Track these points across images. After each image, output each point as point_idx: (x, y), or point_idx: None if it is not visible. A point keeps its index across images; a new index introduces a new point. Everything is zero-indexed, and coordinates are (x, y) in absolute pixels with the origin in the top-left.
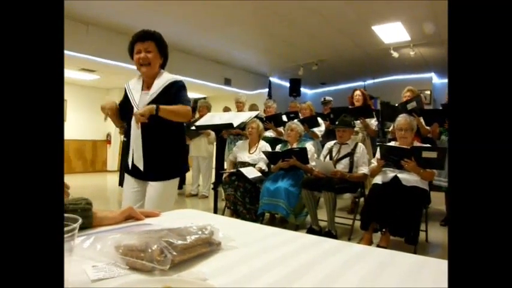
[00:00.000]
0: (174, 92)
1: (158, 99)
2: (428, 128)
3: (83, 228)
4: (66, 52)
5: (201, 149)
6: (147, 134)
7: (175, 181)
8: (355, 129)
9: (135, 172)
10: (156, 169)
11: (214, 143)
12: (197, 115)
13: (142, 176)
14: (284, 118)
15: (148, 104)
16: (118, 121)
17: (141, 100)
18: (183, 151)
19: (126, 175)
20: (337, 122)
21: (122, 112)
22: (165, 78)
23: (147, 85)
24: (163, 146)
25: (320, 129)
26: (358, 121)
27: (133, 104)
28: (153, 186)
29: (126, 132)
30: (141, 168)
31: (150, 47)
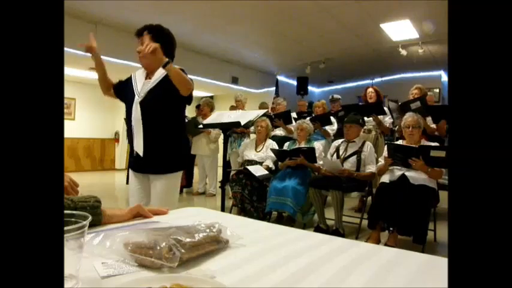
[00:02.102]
0: None
1: (159, 86)
2: (433, 126)
3: (92, 225)
4: (74, 51)
5: (202, 148)
6: (148, 121)
7: (178, 175)
8: (368, 127)
9: (137, 166)
10: (156, 158)
11: (220, 141)
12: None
13: (144, 168)
14: (294, 115)
15: (150, 90)
16: (104, 76)
17: (142, 88)
18: (184, 144)
19: (130, 172)
20: (345, 119)
21: (117, 88)
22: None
23: (150, 76)
24: (163, 134)
25: (332, 128)
26: (371, 118)
27: (135, 92)
28: (155, 182)
29: (128, 125)
30: (141, 154)
31: (145, 40)
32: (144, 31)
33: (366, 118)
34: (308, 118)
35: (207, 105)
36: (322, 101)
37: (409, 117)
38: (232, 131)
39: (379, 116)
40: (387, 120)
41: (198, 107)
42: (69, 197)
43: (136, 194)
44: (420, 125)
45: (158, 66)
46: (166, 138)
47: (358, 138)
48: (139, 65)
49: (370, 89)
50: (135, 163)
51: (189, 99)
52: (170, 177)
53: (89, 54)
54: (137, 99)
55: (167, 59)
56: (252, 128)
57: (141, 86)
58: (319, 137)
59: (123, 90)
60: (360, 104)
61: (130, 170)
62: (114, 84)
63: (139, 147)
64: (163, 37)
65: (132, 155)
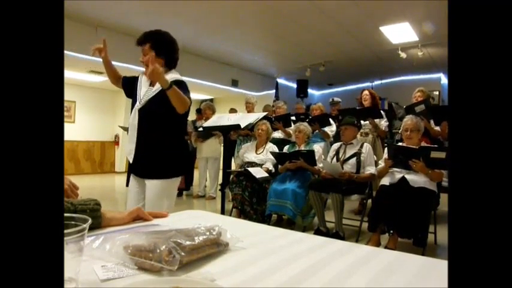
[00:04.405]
0: None
1: (160, 95)
2: (437, 128)
3: (92, 228)
4: (74, 54)
5: (213, 150)
6: (143, 128)
7: (173, 181)
8: (365, 130)
9: (133, 169)
10: (150, 163)
11: (222, 144)
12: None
13: (139, 172)
14: (293, 118)
15: (150, 99)
16: (110, 68)
17: (144, 96)
18: (181, 151)
19: (131, 175)
20: (341, 122)
21: (125, 83)
22: (168, 77)
23: (153, 83)
24: (158, 142)
25: (331, 129)
26: (367, 122)
27: (137, 98)
28: (149, 186)
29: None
30: (130, 160)
31: (145, 49)
32: (144, 40)
33: (362, 122)
34: (306, 120)
35: (208, 109)
36: (319, 104)
37: (408, 120)
38: (239, 134)
39: (375, 120)
40: (383, 123)
41: (198, 111)
42: (69, 200)
43: (134, 196)
44: (419, 128)
45: (154, 58)
46: (161, 146)
47: (356, 140)
48: (139, 68)
49: (366, 92)
50: (132, 166)
51: (185, 114)
52: (164, 183)
53: (92, 58)
54: (137, 106)
55: (170, 83)
56: None
57: (144, 92)
58: (319, 139)
59: (130, 89)
60: (357, 108)
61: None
62: (124, 77)
63: (130, 153)
64: (163, 44)
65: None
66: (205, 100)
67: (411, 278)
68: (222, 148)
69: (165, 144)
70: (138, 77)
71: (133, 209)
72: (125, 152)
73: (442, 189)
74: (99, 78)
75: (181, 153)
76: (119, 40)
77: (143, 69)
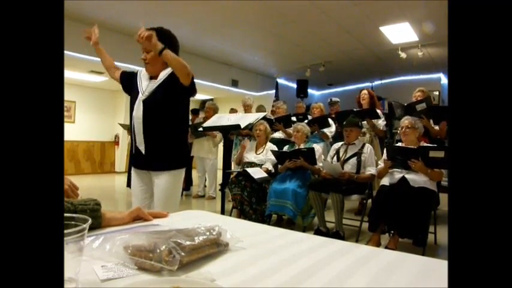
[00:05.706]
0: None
1: (163, 85)
2: (437, 128)
3: (92, 228)
4: (74, 54)
5: (204, 150)
6: (149, 119)
7: (180, 172)
8: (363, 130)
9: (139, 163)
10: (157, 155)
11: (221, 144)
12: (202, 115)
13: (146, 165)
14: (293, 119)
15: (154, 90)
16: (103, 55)
17: (147, 88)
18: (184, 142)
19: (132, 172)
20: (344, 123)
21: (124, 78)
22: (169, 69)
23: (155, 76)
24: (164, 132)
25: (330, 130)
26: (365, 122)
27: (139, 91)
28: (158, 180)
29: (131, 121)
30: (143, 151)
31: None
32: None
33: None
34: (305, 121)
35: (212, 110)
36: (319, 103)
37: (405, 119)
38: (239, 133)
39: (372, 120)
40: (381, 123)
41: (194, 111)
42: (69, 200)
43: (139, 194)
44: (415, 126)
45: (160, 70)
46: (167, 137)
47: (357, 141)
48: (138, 68)
49: (364, 91)
50: (137, 160)
51: (192, 90)
52: (172, 174)
53: (93, 58)
54: (141, 97)
55: (162, 45)
56: None
57: (146, 84)
58: (317, 139)
59: (129, 84)
60: (354, 110)
61: (132, 169)
62: (123, 71)
63: (141, 144)
64: (165, 39)
65: (133, 152)
66: (206, 100)
67: (411, 278)
68: (217, 149)
69: (169, 135)
70: (136, 73)
71: (133, 209)
72: (136, 143)
73: (442, 189)
74: (99, 78)
75: (184, 144)
76: (118, 40)
77: (139, 67)
